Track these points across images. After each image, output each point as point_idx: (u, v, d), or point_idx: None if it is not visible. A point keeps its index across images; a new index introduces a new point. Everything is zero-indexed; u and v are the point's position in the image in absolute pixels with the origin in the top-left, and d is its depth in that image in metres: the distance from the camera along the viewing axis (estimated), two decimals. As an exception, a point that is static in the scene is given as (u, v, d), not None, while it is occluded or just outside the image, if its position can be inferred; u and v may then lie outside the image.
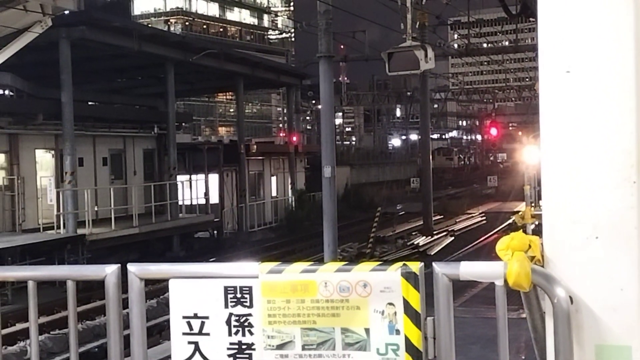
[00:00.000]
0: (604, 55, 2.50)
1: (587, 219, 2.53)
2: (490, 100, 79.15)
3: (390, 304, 2.64)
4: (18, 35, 17.63)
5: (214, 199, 32.65)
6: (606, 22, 2.50)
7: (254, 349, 2.78)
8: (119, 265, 2.91)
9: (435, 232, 32.85)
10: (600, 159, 2.51)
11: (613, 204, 2.50)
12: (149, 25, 61.96)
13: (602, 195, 2.51)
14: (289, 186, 38.93)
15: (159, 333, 15.00)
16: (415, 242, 30.37)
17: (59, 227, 22.47)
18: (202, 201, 31.07)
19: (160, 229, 26.12)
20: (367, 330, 2.68)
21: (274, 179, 38.80)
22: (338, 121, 72.05)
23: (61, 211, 22.65)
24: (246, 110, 68.27)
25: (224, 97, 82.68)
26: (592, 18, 2.52)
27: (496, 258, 2.62)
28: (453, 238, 32.14)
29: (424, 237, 31.76)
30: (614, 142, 2.49)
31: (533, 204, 12.41)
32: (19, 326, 15.25)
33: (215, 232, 31.18)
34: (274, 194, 38.52)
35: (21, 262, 19.08)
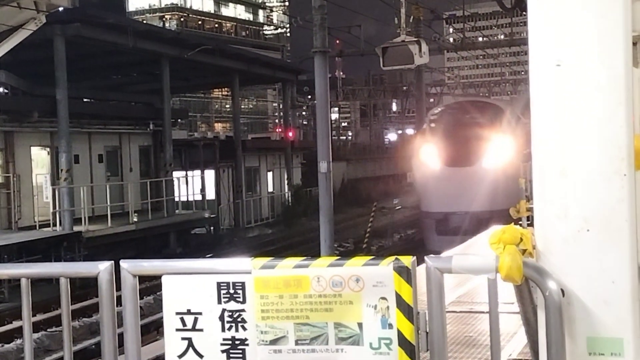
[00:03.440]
0: (593, 48, 2.51)
1: (578, 212, 2.53)
2: (486, 94, 79.12)
3: (383, 298, 2.65)
4: (12, 32, 17.57)
5: (211, 195, 32.61)
6: (596, 15, 2.50)
7: (247, 345, 2.79)
8: (112, 262, 2.91)
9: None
10: (591, 152, 2.51)
11: (604, 197, 2.51)
12: (144, 22, 61.93)
13: (593, 189, 2.52)
14: (286, 182, 38.92)
15: (156, 330, 14.99)
16: (412, 236, 30.36)
17: (55, 225, 22.44)
18: (199, 197, 31.04)
19: (157, 226, 26.09)
20: (360, 325, 2.69)
21: (270, 174, 38.77)
22: (334, 116, 71.97)
23: (57, 208, 22.62)
24: (242, 106, 68.22)
25: (220, 93, 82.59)
26: (581, 12, 2.52)
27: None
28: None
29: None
30: (604, 135, 2.50)
31: (528, 197, 12.38)
32: (16, 323, 15.26)
33: (211, 228, 31.17)
34: (270, 189, 38.51)
35: (17, 259, 19.05)
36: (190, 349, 2.84)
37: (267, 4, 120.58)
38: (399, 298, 2.63)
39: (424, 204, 22.93)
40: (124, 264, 2.87)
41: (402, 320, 2.63)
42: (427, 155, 22.56)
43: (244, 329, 2.79)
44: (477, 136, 21.89)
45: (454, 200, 21.20)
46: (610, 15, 2.48)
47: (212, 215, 30.65)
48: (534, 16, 2.59)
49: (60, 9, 19.56)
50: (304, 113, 70.50)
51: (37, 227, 22.90)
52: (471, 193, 20.67)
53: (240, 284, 2.78)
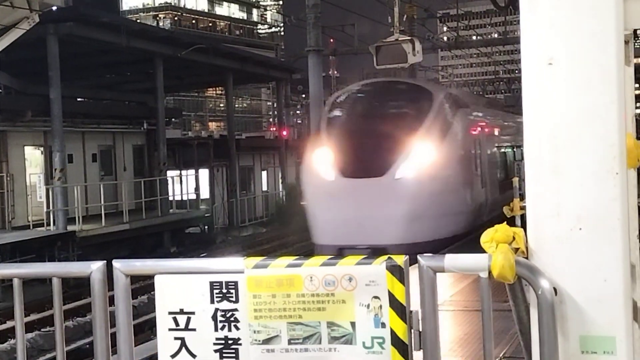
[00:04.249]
0: (585, 47, 2.51)
1: (570, 210, 2.54)
2: (480, 93, 79.29)
3: (376, 297, 2.65)
4: (5, 32, 17.54)
5: (205, 194, 32.60)
6: (588, 14, 2.51)
7: (240, 344, 2.79)
8: (104, 262, 2.91)
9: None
10: (583, 150, 2.51)
11: (596, 195, 2.51)
12: (138, 21, 61.81)
13: (585, 187, 2.52)
14: (280, 180, 38.91)
15: (150, 329, 14.97)
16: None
17: (49, 224, 22.40)
18: (193, 196, 31.02)
19: (151, 225, 26.05)
20: (352, 324, 2.69)
21: (264, 173, 38.77)
22: (328, 115, 71.91)
23: (51, 208, 22.58)
24: (236, 105, 68.19)
25: (214, 92, 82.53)
26: (573, 10, 2.52)
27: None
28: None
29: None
30: (596, 134, 2.50)
31: (522, 196, 12.37)
32: (10, 324, 15.22)
33: (206, 227, 31.16)
34: (264, 188, 38.50)
35: (11, 259, 19.01)
36: (183, 348, 2.84)
37: (261, 3, 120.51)
38: (391, 297, 2.63)
39: (314, 233, 15.10)
40: (117, 263, 2.86)
41: (394, 319, 2.63)
42: (318, 161, 15.17)
43: (237, 328, 2.79)
44: (392, 133, 14.87)
45: (354, 228, 13.97)
46: (602, 13, 2.49)
47: (206, 215, 30.64)
48: (526, 15, 2.59)
49: (54, 8, 19.54)
50: (298, 112, 70.49)
51: (31, 227, 22.86)
52: (379, 218, 13.94)
53: (233, 284, 2.78)
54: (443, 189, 14.68)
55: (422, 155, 14.58)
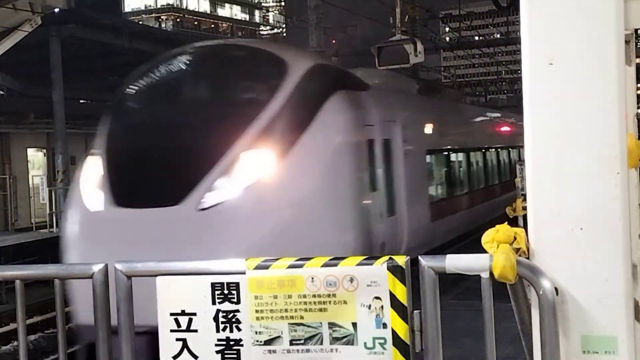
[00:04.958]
0: (586, 47, 2.51)
1: (571, 210, 2.53)
2: (482, 93, 79.18)
3: (377, 298, 2.65)
4: (7, 34, 17.58)
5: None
6: (588, 14, 2.50)
7: (242, 345, 2.79)
8: (106, 263, 2.91)
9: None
10: (584, 150, 2.51)
11: (597, 195, 2.51)
12: (140, 23, 61.87)
13: (586, 187, 2.52)
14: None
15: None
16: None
17: (51, 226, 22.41)
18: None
19: (154, 226, 26.03)
20: (354, 325, 2.69)
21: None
22: (331, 116, 71.72)
23: (54, 210, 22.60)
24: (238, 106, 67.98)
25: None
26: (574, 10, 2.52)
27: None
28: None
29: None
30: (597, 134, 2.50)
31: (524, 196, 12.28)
32: (13, 325, 15.23)
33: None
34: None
35: (14, 261, 19.02)
36: (185, 349, 2.84)
37: (263, 4, 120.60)
38: (393, 298, 2.63)
39: (71, 303, 8.22)
40: (118, 265, 2.87)
41: (396, 320, 2.63)
42: (84, 180, 9.32)
43: (239, 329, 2.79)
44: (207, 132, 8.98)
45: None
46: (603, 13, 2.49)
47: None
48: (527, 15, 2.59)
49: (56, 10, 19.57)
50: (300, 113, 70.42)
51: (34, 229, 22.88)
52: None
53: (234, 285, 2.78)
54: (291, 225, 8.55)
55: (252, 169, 8.57)
